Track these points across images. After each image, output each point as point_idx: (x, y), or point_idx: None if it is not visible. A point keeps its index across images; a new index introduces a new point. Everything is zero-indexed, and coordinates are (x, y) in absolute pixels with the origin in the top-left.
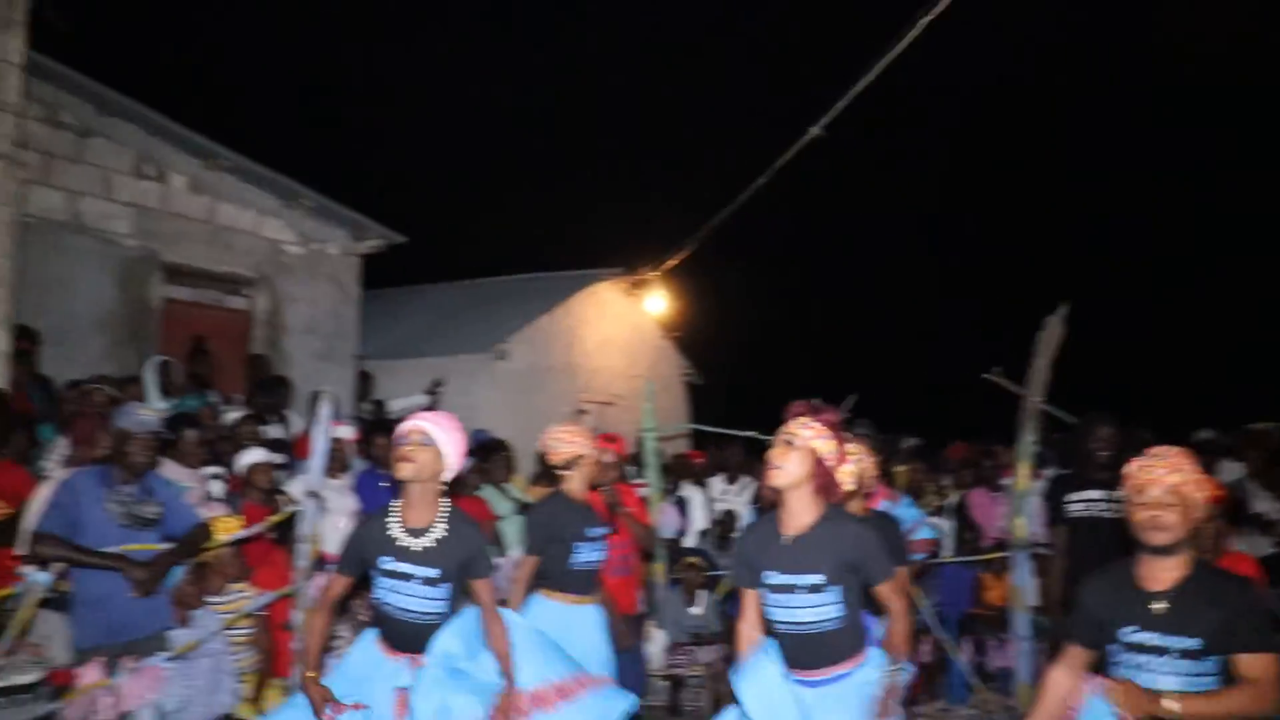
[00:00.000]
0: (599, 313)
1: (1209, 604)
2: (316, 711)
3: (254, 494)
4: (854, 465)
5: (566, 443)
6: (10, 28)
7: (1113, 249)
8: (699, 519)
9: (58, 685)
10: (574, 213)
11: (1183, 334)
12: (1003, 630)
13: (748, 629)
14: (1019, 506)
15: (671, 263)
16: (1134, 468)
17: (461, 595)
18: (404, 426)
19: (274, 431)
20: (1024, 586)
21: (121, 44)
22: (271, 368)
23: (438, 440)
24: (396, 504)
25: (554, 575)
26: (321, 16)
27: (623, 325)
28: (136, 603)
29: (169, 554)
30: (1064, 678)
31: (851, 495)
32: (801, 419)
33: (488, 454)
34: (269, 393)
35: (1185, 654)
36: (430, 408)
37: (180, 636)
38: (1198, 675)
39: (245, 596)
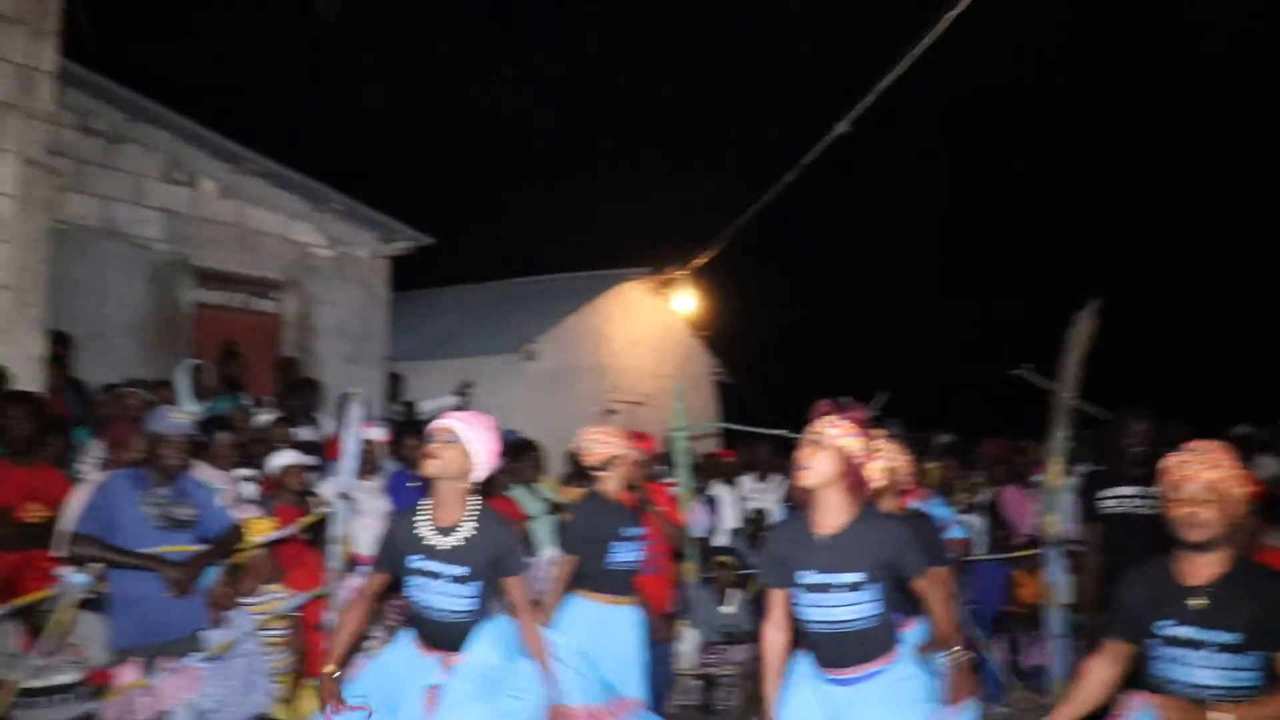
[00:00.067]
0: (627, 312)
1: (1248, 599)
2: (323, 705)
3: (286, 496)
4: (884, 461)
5: (602, 443)
6: (43, 37)
7: (1145, 242)
8: (729, 518)
9: (97, 685)
10: (601, 212)
11: (1217, 328)
12: (1036, 628)
13: (772, 630)
14: (1051, 503)
15: (699, 261)
16: (1172, 463)
17: (493, 593)
18: (432, 425)
19: (305, 433)
20: (1058, 583)
21: (151, 50)
22: (302, 370)
23: (464, 438)
24: (426, 503)
25: (591, 575)
26: (348, 21)
27: (651, 324)
28: (172, 604)
29: (203, 555)
30: (1102, 669)
31: (884, 492)
32: (828, 418)
33: (517, 454)
34: (299, 395)
35: (1223, 649)
36: (460, 408)
37: (215, 637)
38: (1236, 670)
39: (278, 598)
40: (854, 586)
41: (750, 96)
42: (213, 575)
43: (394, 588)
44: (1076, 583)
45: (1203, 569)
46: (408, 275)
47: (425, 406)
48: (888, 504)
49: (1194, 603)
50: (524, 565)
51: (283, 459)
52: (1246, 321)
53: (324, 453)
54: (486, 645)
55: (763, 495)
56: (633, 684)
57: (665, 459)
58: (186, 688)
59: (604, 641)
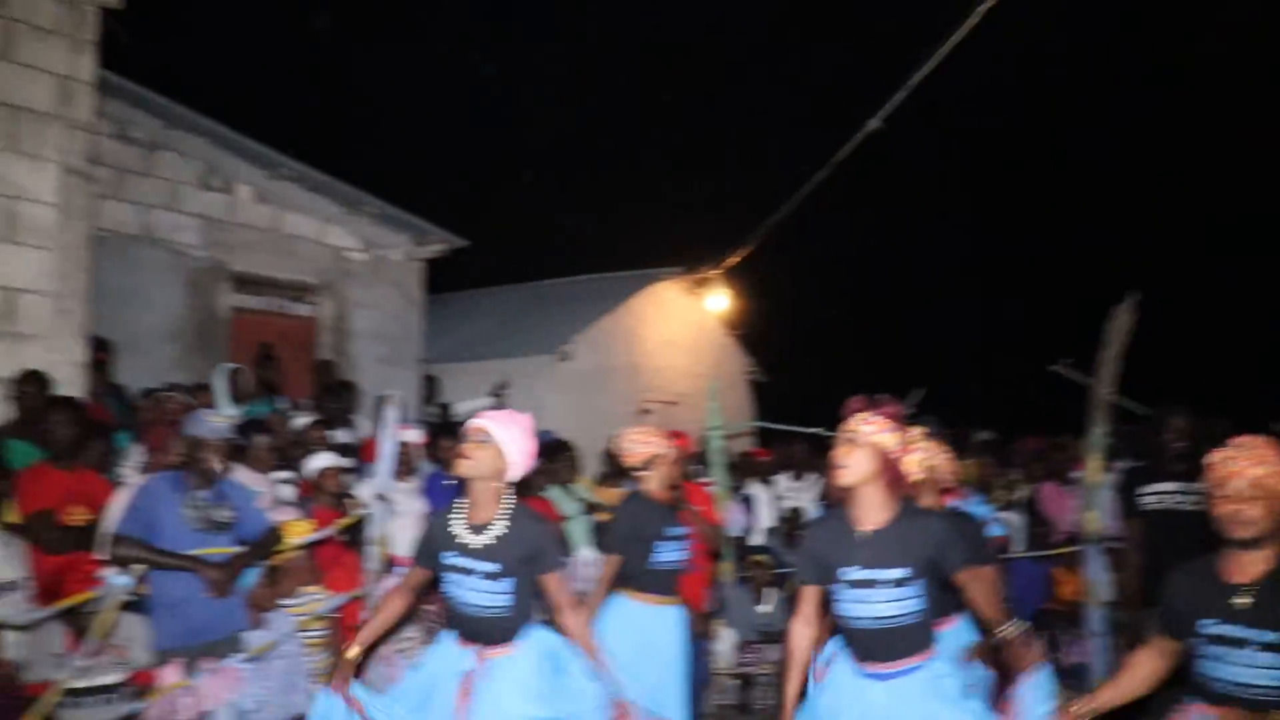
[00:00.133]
0: (661, 312)
1: None
2: (332, 684)
3: (323, 498)
4: (921, 454)
5: (643, 443)
6: (82, 48)
7: (1184, 235)
8: (765, 517)
9: (140, 686)
10: (635, 213)
11: (1257, 322)
12: (1077, 626)
13: (801, 626)
14: (1091, 500)
15: (733, 260)
16: (1216, 459)
17: (530, 591)
18: (466, 425)
19: (341, 436)
20: (1098, 581)
21: (186, 57)
22: (338, 373)
23: (498, 438)
24: (462, 501)
25: (635, 575)
26: (380, 23)
27: (685, 324)
28: (213, 605)
29: (242, 556)
30: (1148, 661)
31: (922, 487)
32: (861, 415)
33: (553, 455)
34: (336, 398)
35: (1266, 647)
36: (495, 410)
37: (255, 638)
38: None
39: (317, 599)
40: (898, 582)
41: (783, 94)
42: (252, 577)
43: (434, 585)
44: (1117, 580)
45: (1248, 566)
46: (442, 278)
47: (461, 408)
48: (927, 501)
49: (1238, 601)
50: (562, 563)
51: (320, 461)
52: None
53: (360, 455)
54: (530, 657)
55: (798, 494)
56: (675, 684)
57: (700, 458)
58: (227, 688)
59: (647, 642)
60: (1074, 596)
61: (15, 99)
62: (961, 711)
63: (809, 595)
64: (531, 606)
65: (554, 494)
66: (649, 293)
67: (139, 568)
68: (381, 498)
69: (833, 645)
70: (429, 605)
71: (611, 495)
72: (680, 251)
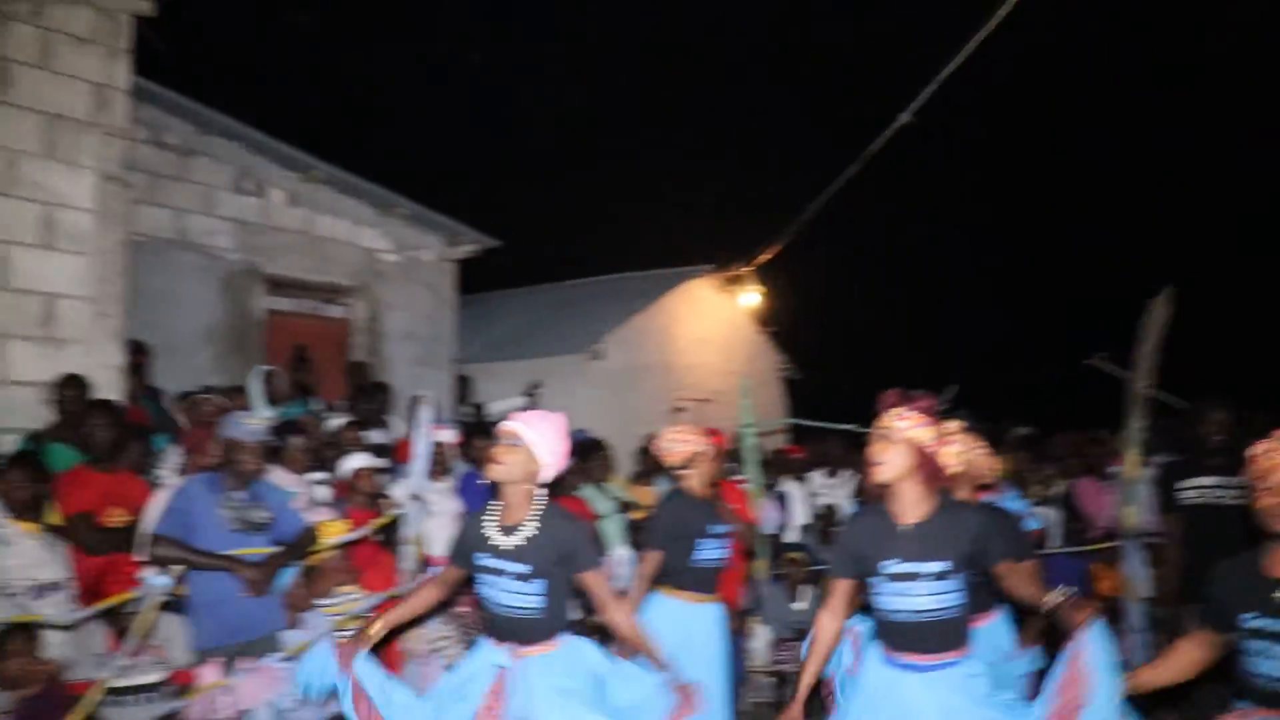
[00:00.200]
0: (693, 310)
1: None
2: (342, 652)
3: (358, 498)
4: (958, 446)
5: (682, 442)
6: (117, 56)
7: (1221, 227)
8: (800, 514)
9: (180, 685)
10: (666, 210)
11: None
12: (1115, 622)
13: (829, 617)
14: (1129, 495)
15: (764, 257)
16: (1258, 452)
17: (564, 592)
18: (498, 427)
19: (376, 437)
20: (1137, 577)
21: (218, 63)
22: (371, 374)
23: (529, 440)
24: (496, 503)
25: (675, 573)
26: (410, 24)
27: (717, 322)
28: (250, 605)
29: (278, 556)
30: (1192, 649)
31: (959, 481)
32: (895, 410)
33: (586, 454)
34: (370, 399)
35: None
36: (528, 409)
37: (292, 638)
38: None
39: (354, 599)
40: (939, 575)
41: (812, 89)
42: (289, 577)
43: (468, 585)
44: (1156, 576)
45: None
46: (475, 278)
47: (494, 408)
48: (962, 496)
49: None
50: (599, 560)
51: (354, 462)
52: None
53: (395, 455)
54: (570, 657)
55: (833, 491)
56: (715, 682)
57: (734, 456)
58: (265, 687)
59: (687, 639)
60: (1112, 592)
61: (53, 107)
62: (996, 709)
63: (841, 589)
64: (566, 607)
65: (588, 493)
66: (681, 291)
67: (177, 568)
68: (416, 498)
69: (860, 638)
70: (463, 607)
71: (645, 494)
72: (712, 249)
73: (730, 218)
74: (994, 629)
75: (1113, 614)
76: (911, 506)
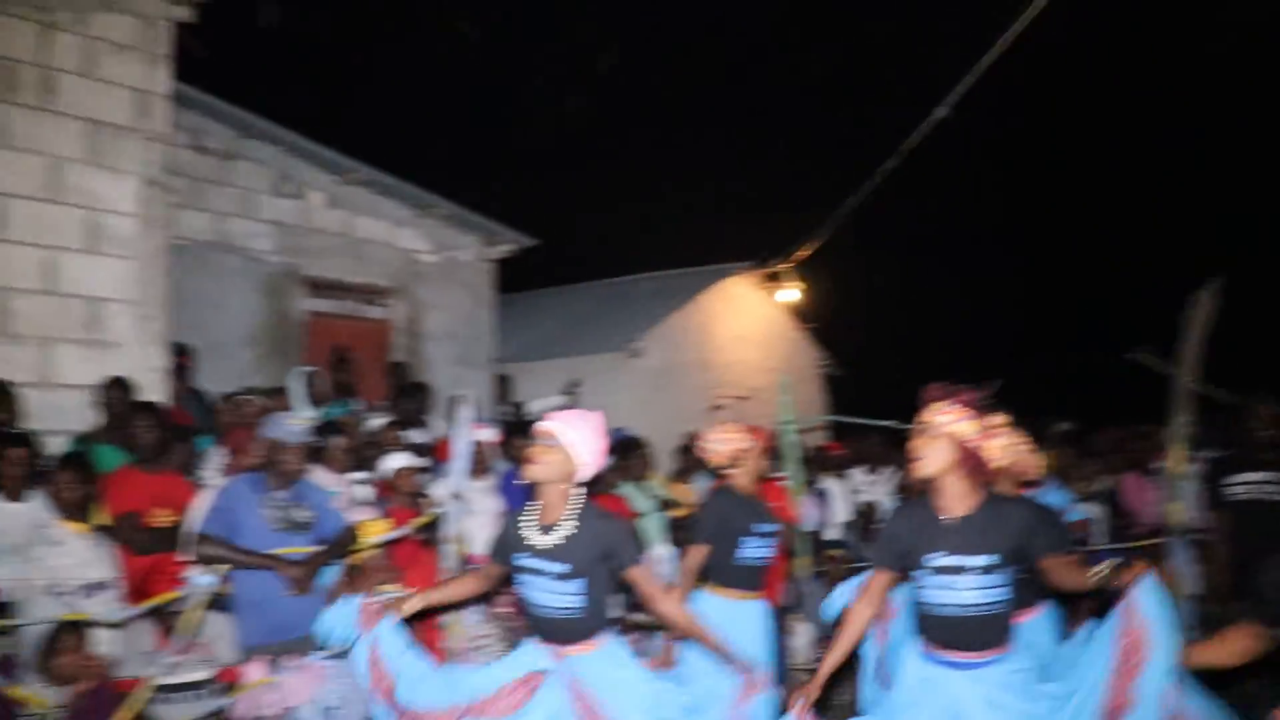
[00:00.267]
0: (732, 307)
1: None
2: (364, 617)
3: (399, 497)
4: (1004, 439)
5: (725, 441)
6: (157, 62)
7: (1267, 218)
8: (840, 511)
9: (226, 682)
10: (704, 207)
11: None
12: None
13: (863, 606)
14: (1175, 491)
15: (803, 253)
16: None
17: (602, 590)
18: (535, 428)
19: (416, 436)
20: (1184, 574)
21: (256, 66)
22: (411, 374)
23: (566, 440)
24: (534, 503)
25: (720, 570)
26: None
27: (756, 319)
28: (295, 603)
29: (320, 554)
30: (1243, 638)
31: (1003, 475)
32: (937, 404)
33: (626, 452)
34: (410, 399)
35: None
36: (567, 408)
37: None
38: None
39: (395, 597)
40: (986, 569)
41: (849, 83)
42: (331, 576)
43: (509, 583)
44: (1204, 573)
45: None
46: (513, 277)
47: (534, 407)
48: (1003, 486)
49: None
50: (641, 556)
51: (395, 461)
52: None
53: (435, 454)
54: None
55: (873, 488)
56: None
57: (774, 453)
58: (311, 685)
59: (731, 637)
60: None
61: (95, 114)
62: (1044, 702)
63: (880, 580)
64: (606, 607)
65: (627, 491)
66: (719, 288)
67: (222, 567)
68: (456, 496)
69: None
70: (505, 608)
71: (685, 491)
72: (751, 245)
73: (769, 214)
74: (1038, 624)
75: None
76: (956, 500)
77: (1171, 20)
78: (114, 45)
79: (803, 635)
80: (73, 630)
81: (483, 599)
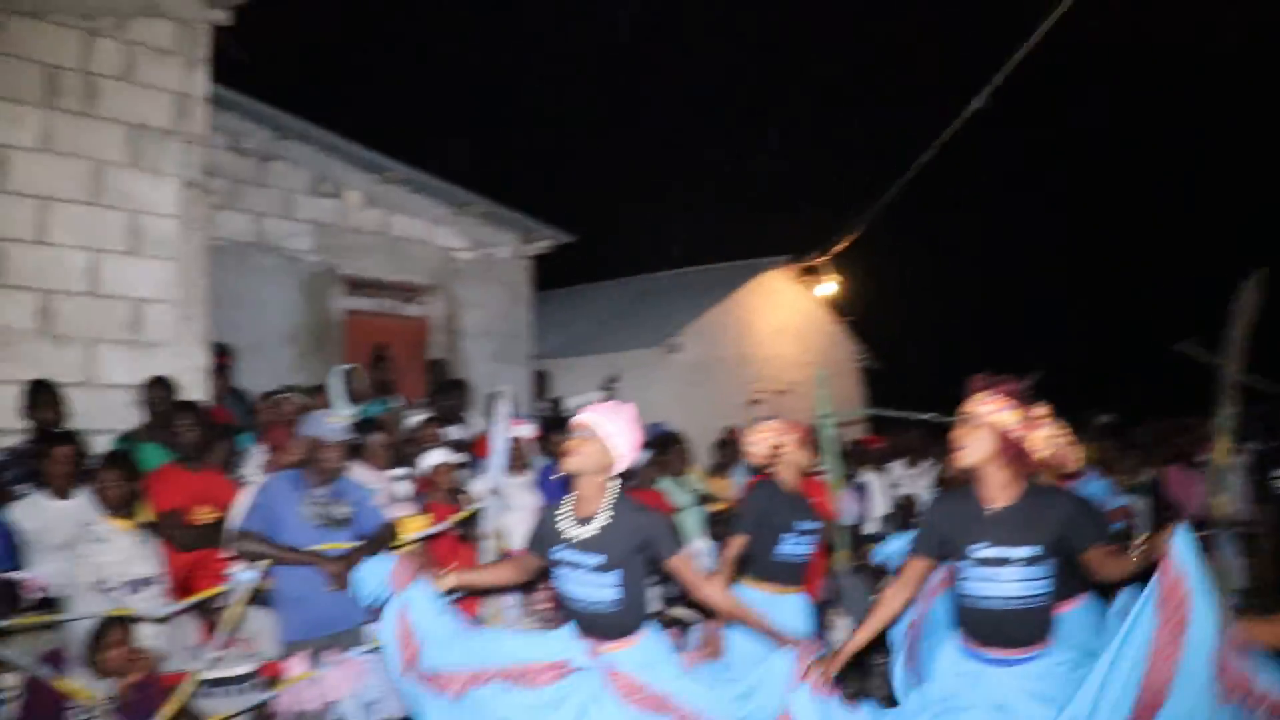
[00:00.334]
0: (769, 301)
1: None
2: (396, 576)
3: (438, 493)
4: (1047, 430)
5: (763, 439)
6: (196, 66)
7: None
8: (879, 505)
9: (268, 677)
10: (740, 202)
11: None
12: None
13: (898, 591)
14: (1220, 483)
15: (840, 247)
16: None
17: (640, 582)
18: (571, 420)
19: (455, 433)
20: (1229, 567)
21: (293, 67)
22: (450, 371)
23: (602, 432)
24: (570, 496)
25: (759, 564)
26: (483, 21)
27: (793, 313)
28: (336, 599)
29: (359, 550)
30: None
31: (1045, 466)
32: (980, 395)
33: (664, 447)
34: (448, 396)
35: None
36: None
37: (376, 631)
38: None
39: None
40: (1030, 561)
41: (885, 76)
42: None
43: (546, 576)
44: (1249, 565)
45: None
46: (550, 274)
47: (572, 402)
48: (1045, 480)
49: None
50: (680, 546)
51: (434, 458)
52: None
53: (474, 450)
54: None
55: (913, 481)
56: None
57: (813, 447)
58: (351, 679)
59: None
60: None
61: (136, 118)
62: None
63: (917, 567)
64: (644, 601)
65: (666, 486)
66: (757, 282)
67: (264, 563)
68: (495, 492)
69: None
70: (543, 603)
71: (723, 486)
72: (787, 239)
73: (806, 208)
74: (1078, 615)
75: None
76: (999, 491)
77: (1211, 5)
78: (154, 50)
79: (842, 630)
80: (119, 625)
81: (521, 593)
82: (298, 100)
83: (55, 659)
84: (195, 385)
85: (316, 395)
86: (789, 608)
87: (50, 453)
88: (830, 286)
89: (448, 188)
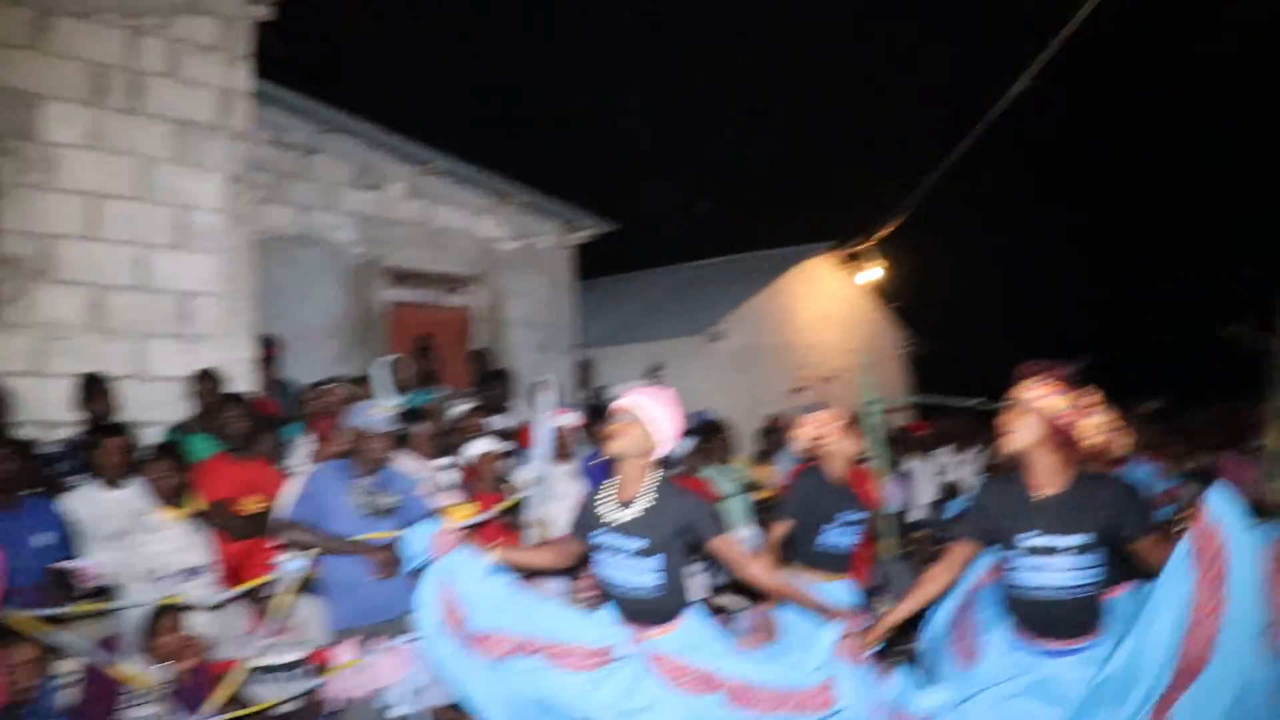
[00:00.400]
0: (812, 288)
1: None
2: (439, 542)
3: (483, 483)
4: (1099, 417)
5: (805, 430)
6: (237, 62)
7: None
8: (925, 491)
9: (317, 664)
10: (784, 188)
11: None
12: None
13: (942, 570)
14: (1273, 469)
15: (884, 232)
16: None
17: (680, 567)
18: (613, 404)
19: (499, 422)
20: None
21: (334, 61)
22: (493, 361)
23: (644, 416)
24: (612, 480)
25: (804, 551)
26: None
27: (837, 299)
28: (383, 587)
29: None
30: None
31: (1096, 453)
32: (1028, 380)
33: (708, 435)
34: (492, 385)
35: None
36: None
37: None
38: None
39: None
40: (1081, 550)
41: (928, 58)
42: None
43: (587, 562)
44: None
45: None
46: (592, 263)
47: (615, 391)
48: (1093, 467)
49: None
50: (722, 528)
51: (479, 447)
52: None
53: (518, 440)
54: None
55: (960, 467)
56: None
57: (858, 434)
58: (399, 666)
59: (817, 618)
60: None
61: (181, 114)
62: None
63: (962, 548)
64: (685, 587)
65: (710, 474)
66: (800, 269)
67: (312, 552)
68: (539, 481)
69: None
70: (585, 591)
71: (768, 474)
72: (831, 226)
73: (849, 194)
74: (1125, 601)
75: None
76: (1047, 478)
77: None
78: (198, 46)
79: None
80: (171, 613)
81: (565, 579)
82: (339, 94)
83: (110, 645)
84: (242, 377)
85: (362, 386)
86: (834, 594)
87: (102, 444)
88: (875, 272)
89: (489, 179)
